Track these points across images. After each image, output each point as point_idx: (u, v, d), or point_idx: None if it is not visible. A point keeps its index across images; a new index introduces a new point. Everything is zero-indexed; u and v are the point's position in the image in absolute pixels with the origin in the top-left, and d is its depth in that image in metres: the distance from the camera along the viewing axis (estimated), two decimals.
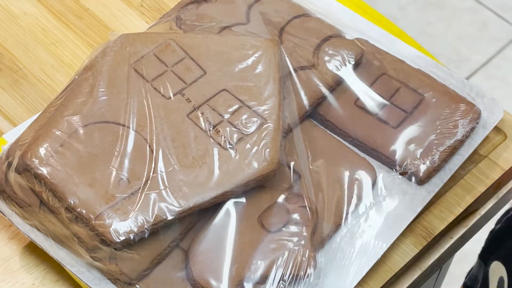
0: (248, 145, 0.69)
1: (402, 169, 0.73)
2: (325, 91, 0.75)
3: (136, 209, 0.65)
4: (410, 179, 0.72)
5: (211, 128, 0.70)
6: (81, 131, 0.69)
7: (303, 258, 0.66)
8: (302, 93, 0.74)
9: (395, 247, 0.71)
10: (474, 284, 0.64)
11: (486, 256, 0.64)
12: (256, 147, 0.69)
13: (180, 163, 0.68)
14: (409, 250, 0.71)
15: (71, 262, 0.67)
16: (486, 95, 0.78)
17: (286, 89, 0.74)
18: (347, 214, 0.70)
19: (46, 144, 0.68)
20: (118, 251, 0.65)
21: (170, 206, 0.66)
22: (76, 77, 0.73)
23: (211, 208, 0.67)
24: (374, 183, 0.72)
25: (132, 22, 0.86)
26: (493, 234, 0.63)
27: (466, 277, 0.65)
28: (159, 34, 0.77)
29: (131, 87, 0.71)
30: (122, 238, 0.64)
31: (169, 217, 0.65)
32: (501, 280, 0.62)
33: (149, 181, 0.66)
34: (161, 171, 0.67)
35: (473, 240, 0.79)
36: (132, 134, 0.69)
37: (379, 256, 0.69)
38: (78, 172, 0.67)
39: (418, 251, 0.72)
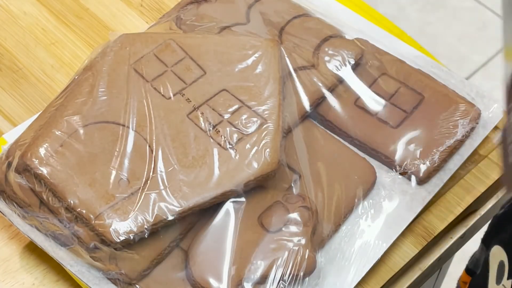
0: (248, 145, 0.69)
1: (402, 169, 0.73)
2: (325, 91, 0.75)
3: (136, 209, 0.65)
4: (410, 179, 0.72)
5: (211, 128, 0.70)
6: (81, 131, 0.69)
7: (303, 258, 0.66)
8: (302, 93, 0.74)
9: (395, 247, 0.71)
10: (476, 268, 0.65)
11: (488, 240, 0.64)
12: (256, 147, 0.69)
13: (180, 163, 0.68)
14: (409, 250, 0.71)
15: (71, 262, 0.67)
16: (486, 95, 0.78)
17: (286, 89, 0.74)
18: (347, 214, 0.70)
19: (46, 144, 0.68)
20: (118, 251, 0.65)
21: (170, 206, 0.66)
22: (76, 77, 0.73)
23: (211, 208, 0.67)
24: (374, 183, 0.72)
25: (132, 22, 0.85)
26: (496, 218, 0.64)
27: (469, 261, 0.66)
28: (159, 34, 0.77)
29: (131, 87, 0.71)
30: (122, 238, 0.64)
31: (169, 217, 0.65)
32: (501, 264, 0.62)
33: (149, 181, 0.66)
34: (161, 171, 0.67)
35: (473, 240, 0.79)
36: (132, 134, 0.69)
37: (379, 256, 0.69)
38: (78, 172, 0.66)
39: (418, 251, 0.72)
